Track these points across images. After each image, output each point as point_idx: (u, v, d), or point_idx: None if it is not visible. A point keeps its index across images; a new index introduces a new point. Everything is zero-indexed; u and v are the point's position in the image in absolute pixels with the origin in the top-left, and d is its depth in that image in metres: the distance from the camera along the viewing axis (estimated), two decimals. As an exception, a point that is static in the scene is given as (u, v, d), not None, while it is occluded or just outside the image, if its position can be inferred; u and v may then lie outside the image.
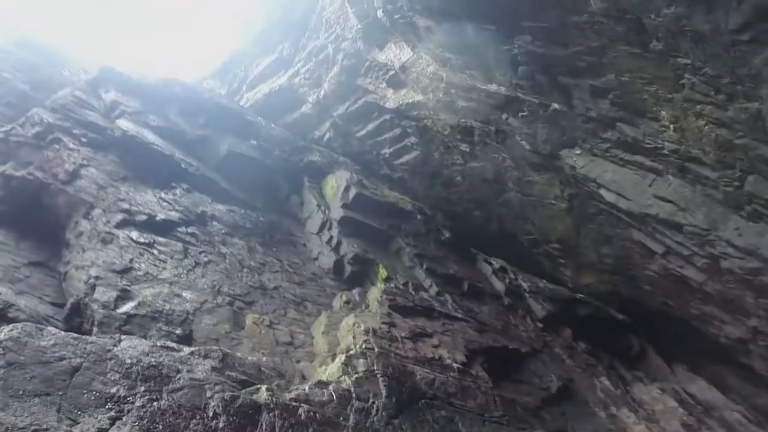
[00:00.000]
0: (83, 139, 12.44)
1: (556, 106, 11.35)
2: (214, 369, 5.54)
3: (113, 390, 4.54)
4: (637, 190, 10.41)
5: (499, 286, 13.17)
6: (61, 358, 4.54)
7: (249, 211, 13.51)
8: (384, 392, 6.83)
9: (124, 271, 9.60)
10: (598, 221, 12.74)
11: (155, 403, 4.56)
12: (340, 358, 7.48)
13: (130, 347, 5.28)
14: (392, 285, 11.12)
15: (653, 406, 9.91)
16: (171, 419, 4.50)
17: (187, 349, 5.79)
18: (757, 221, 8.57)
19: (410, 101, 15.73)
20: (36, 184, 11.12)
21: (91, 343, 4.97)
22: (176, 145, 13.75)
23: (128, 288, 9.24)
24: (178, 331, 8.61)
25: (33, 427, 3.70)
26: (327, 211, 13.88)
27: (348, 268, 12.31)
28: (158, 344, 5.60)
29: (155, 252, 10.48)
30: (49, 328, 5.02)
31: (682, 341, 11.89)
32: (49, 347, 4.62)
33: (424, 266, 12.67)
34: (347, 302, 10.68)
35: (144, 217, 11.06)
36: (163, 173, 12.84)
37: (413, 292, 11.40)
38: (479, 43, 11.61)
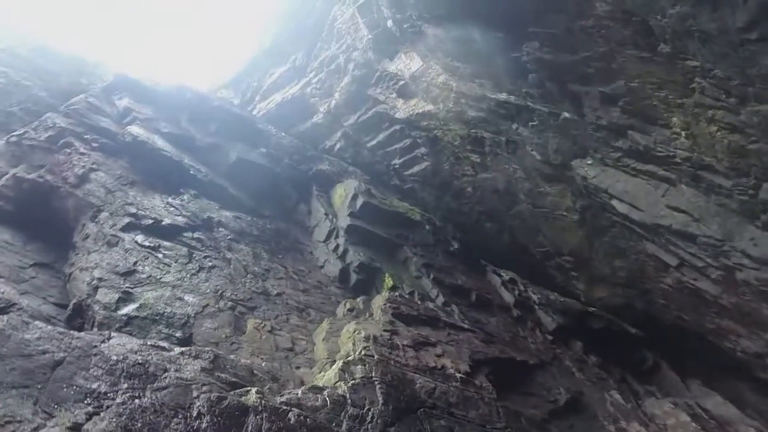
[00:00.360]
0: (94, 144, 12.59)
1: (566, 114, 11.18)
2: (203, 369, 5.42)
3: (94, 385, 4.44)
4: (649, 200, 10.14)
5: (509, 297, 12.89)
6: (44, 352, 4.47)
7: (256, 218, 13.49)
8: (381, 399, 6.64)
9: (128, 274, 9.60)
10: (611, 234, 12.44)
11: (137, 401, 4.45)
12: (338, 363, 7.31)
13: (119, 345, 5.20)
14: (397, 294, 10.93)
15: (665, 421, 9.51)
16: (151, 417, 4.38)
17: (177, 349, 5.69)
18: (773, 230, 8.26)
19: (420, 111, 15.68)
20: (46, 186, 11.23)
21: (78, 338, 4.90)
22: (186, 151, 13.84)
23: (130, 290, 9.23)
24: (177, 334, 8.55)
25: (6, 419, 3.61)
26: (334, 220, 13.81)
27: (354, 277, 12.17)
28: (149, 343, 5.51)
29: (160, 256, 10.47)
30: (37, 322, 4.97)
31: (697, 355, 11.48)
32: (33, 340, 4.55)
33: (431, 276, 12.47)
34: (351, 310, 10.52)
35: (150, 222, 11.07)
36: (172, 179, 12.90)
37: (419, 302, 11.20)
38: (488, 51, 11.53)
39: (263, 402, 5.24)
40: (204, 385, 5.11)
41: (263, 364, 8.37)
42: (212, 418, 4.72)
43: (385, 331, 8.92)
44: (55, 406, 4.04)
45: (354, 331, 8.53)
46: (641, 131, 9.15)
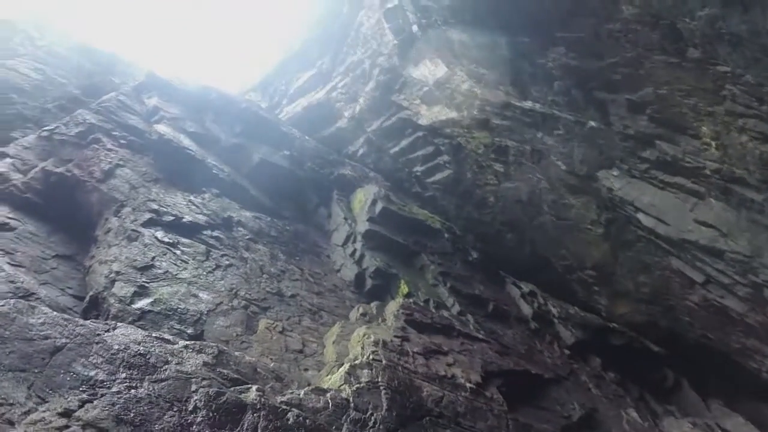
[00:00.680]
0: (122, 141, 12.84)
1: (592, 123, 10.91)
2: (205, 364, 5.38)
3: (92, 373, 4.44)
4: (677, 214, 9.77)
5: (527, 310, 12.58)
6: (46, 337, 4.49)
7: (276, 219, 13.53)
8: (385, 405, 6.48)
9: (145, 268, 9.70)
10: (636, 248, 12.05)
11: (133, 391, 4.42)
12: (344, 367, 7.19)
13: (123, 335, 5.20)
14: (411, 301, 10.76)
15: (683, 440, 9.08)
16: (146, 408, 4.34)
17: (181, 343, 5.67)
18: (807, 249, 7.83)
19: (444, 118, 15.56)
20: (73, 180, 11.46)
21: (82, 325, 4.92)
22: (210, 151, 14.01)
23: (146, 285, 9.33)
24: (189, 330, 8.59)
25: (-1, 401, 3.63)
26: (353, 225, 13.74)
27: (369, 282, 12.06)
28: (153, 335, 5.50)
29: (178, 252, 10.56)
30: (43, 307, 5.01)
31: (720, 375, 10.97)
32: (36, 325, 4.59)
33: (448, 285, 12.26)
34: (364, 314, 10.40)
35: (171, 218, 11.19)
36: (195, 177, 13.05)
37: (433, 310, 11.00)
38: (513, 57, 11.37)
39: (263, 400, 5.16)
40: (204, 379, 5.06)
41: (271, 365, 8.32)
42: (208, 412, 4.66)
43: (395, 336, 8.77)
44: (50, 392, 4.04)
45: (364, 335, 8.41)
46: (669, 141, 8.83)
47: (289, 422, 5.13)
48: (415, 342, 8.99)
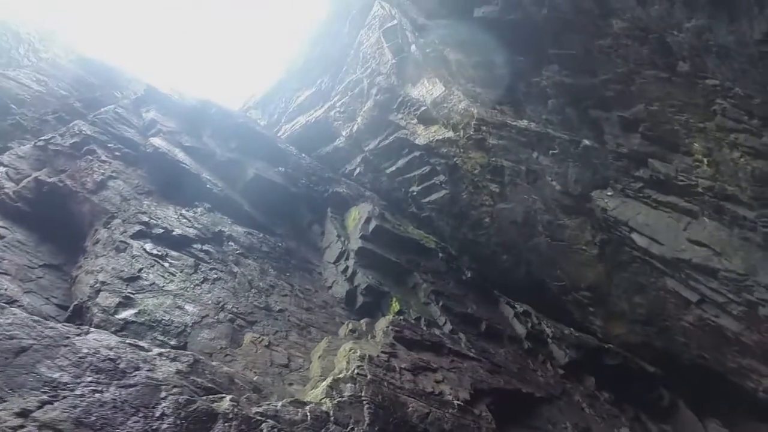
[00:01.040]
0: (117, 153, 12.84)
1: (586, 142, 10.89)
2: (178, 372, 5.21)
3: (56, 375, 4.28)
4: (670, 234, 9.66)
5: (521, 329, 12.37)
6: (12, 338, 4.35)
7: (268, 235, 13.43)
8: (367, 419, 6.28)
9: (131, 280, 9.60)
10: (631, 269, 11.90)
11: (97, 395, 4.26)
12: (327, 380, 7.00)
13: (95, 339, 5.06)
14: (401, 318, 10.58)
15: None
16: (109, 412, 4.17)
17: (156, 350, 5.51)
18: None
19: (440, 138, 15.58)
20: (65, 191, 11.41)
21: (51, 328, 4.78)
22: (205, 165, 13.99)
23: (132, 296, 9.21)
24: (172, 342, 8.42)
25: (-48, 399, 3.47)
26: (346, 242, 13.63)
27: (360, 299, 11.90)
28: (127, 341, 5.35)
29: (166, 264, 10.45)
30: (13, 308, 4.89)
31: (717, 395, 10.71)
32: (3, 325, 4.45)
33: (441, 303, 12.09)
34: (353, 331, 10.21)
35: (161, 231, 11.11)
36: (188, 191, 13.00)
37: (424, 327, 10.82)
38: (509, 76, 11.41)
39: (236, 410, 4.98)
40: (175, 387, 4.89)
41: (254, 378, 8.12)
42: (176, 420, 4.48)
43: (383, 352, 8.58)
44: (9, 391, 3.88)
45: (350, 350, 8.22)
46: (662, 159, 8.77)
47: (263, 433, 4.94)
48: (403, 358, 8.79)
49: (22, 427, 3.61)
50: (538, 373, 10.53)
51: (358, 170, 18.16)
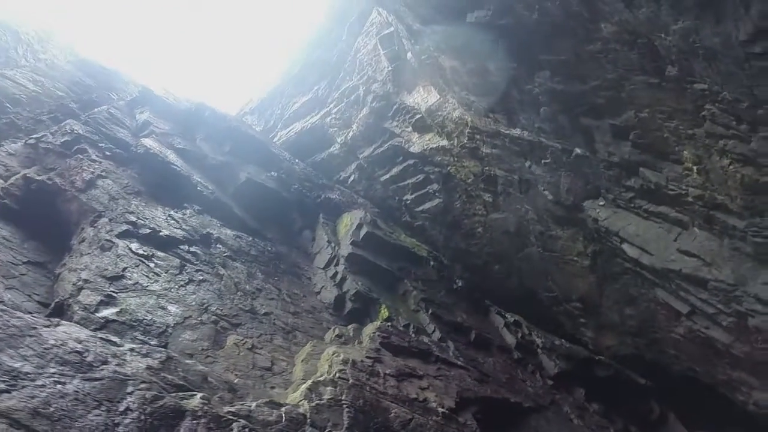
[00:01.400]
0: (107, 153, 12.78)
1: (578, 150, 10.84)
2: (149, 368, 5.07)
3: (17, 365, 4.15)
4: (660, 244, 9.57)
5: (510, 339, 12.21)
6: (-26, 325, 4.24)
7: (258, 239, 13.30)
8: (346, 423, 6.12)
9: (115, 278, 9.50)
10: (622, 281, 11.80)
11: (59, 386, 4.13)
12: (307, 383, 6.84)
13: (65, 332, 4.93)
14: (389, 324, 10.44)
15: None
16: (69, 404, 4.03)
17: (127, 345, 5.38)
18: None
19: (435, 146, 15.54)
20: (54, 189, 11.32)
21: (18, 318, 4.66)
22: (196, 168, 13.91)
23: (114, 294, 9.11)
24: (153, 342, 8.28)
25: None
26: (336, 248, 13.51)
27: (349, 305, 11.77)
28: (99, 335, 5.22)
29: (151, 265, 10.33)
30: (-20, 297, 4.75)
31: (707, 407, 10.54)
32: (-33, 313, 4.34)
33: (430, 311, 11.94)
34: (339, 336, 10.05)
35: (148, 231, 11.00)
36: (178, 193, 12.91)
37: (413, 335, 10.66)
38: (502, 83, 11.39)
39: (206, 408, 4.83)
40: (144, 382, 4.75)
41: (236, 381, 7.96)
42: (140, 415, 4.34)
43: (367, 357, 8.43)
44: (-34, 379, 3.77)
45: (333, 354, 8.08)
46: (653, 167, 8.71)
47: (233, 432, 4.79)
48: (388, 364, 8.64)
49: (-26, 414, 3.48)
50: (527, 383, 10.37)
51: (352, 177, 18.09)
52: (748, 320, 8.04)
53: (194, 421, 4.62)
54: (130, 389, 4.58)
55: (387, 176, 17.20)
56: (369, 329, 10.17)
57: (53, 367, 4.32)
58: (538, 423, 9.01)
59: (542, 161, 12.40)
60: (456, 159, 15.35)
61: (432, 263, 14.47)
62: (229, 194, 14.05)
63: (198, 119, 15.18)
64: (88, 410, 4.07)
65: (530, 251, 14.49)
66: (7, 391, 3.83)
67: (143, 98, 15.20)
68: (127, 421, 4.18)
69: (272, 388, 8.34)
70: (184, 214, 12.33)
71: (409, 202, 16.98)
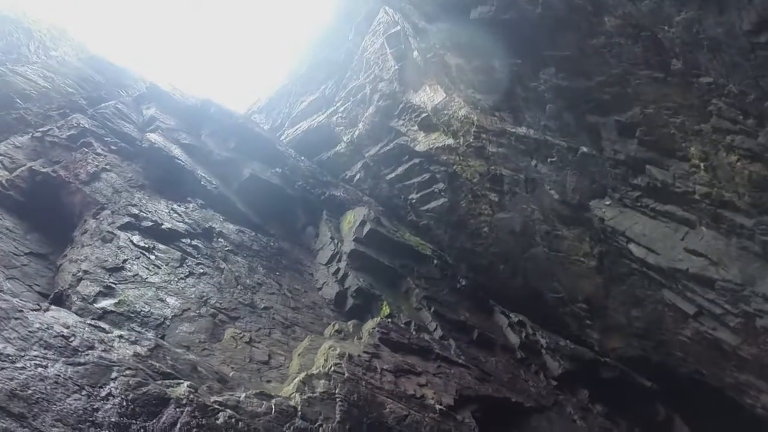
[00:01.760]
0: (113, 147, 12.83)
1: (584, 149, 10.65)
2: (136, 355, 5.02)
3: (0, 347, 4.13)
4: (667, 244, 9.35)
5: (514, 339, 12.04)
6: (-43, 306, 4.22)
7: (261, 234, 13.28)
8: (338, 417, 6.02)
9: (114, 270, 9.51)
10: (629, 282, 11.56)
11: (40, 369, 4.09)
12: (300, 376, 6.76)
13: (53, 317, 4.90)
14: (389, 320, 10.32)
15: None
16: (49, 387, 3.99)
17: (116, 332, 5.33)
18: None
19: (441, 145, 15.41)
20: (58, 181, 11.38)
21: (5, 301, 4.63)
22: (201, 163, 13.93)
23: (113, 285, 9.12)
24: (149, 334, 8.19)
25: None
26: (339, 244, 13.44)
27: (350, 301, 11.68)
28: (88, 321, 5.18)
29: (152, 257, 10.34)
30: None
31: (714, 411, 10.26)
32: (-49, 294, 4.32)
33: (432, 309, 11.82)
34: (339, 331, 9.97)
35: (150, 224, 11.02)
36: (183, 187, 12.93)
37: (414, 332, 10.54)
38: (507, 80, 11.25)
39: (191, 397, 4.77)
40: (129, 369, 4.70)
41: (231, 373, 7.90)
42: (122, 401, 4.28)
43: (365, 352, 8.34)
44: (-56, 358, 3.74)
45: (329, 348, 7.99)
46: (659, 165, 8.52)
47: (218, 422, 4.71)
48: (386, 360, 8.53)
49: (-51, 393, 3.44)
50: (530, 383, 10.20)
51: (358, 176, 18.01)
52: (755, 321, 7.81)
53: (178, 409, 4.55)
54: (114, 375, 4.53)
55: (393, 175, 17.09)
56: (369, 325, 10.08)
57: (36, 350, 4.28)
58: (540, 423, 8.85)
59: (548, 160, 12.22)
60: (462, 158, 15.20)
61: (435, 262, 14.34)
62: (233, 190, 14.04)
63: (204, 115, 15.21)
64: (68, 394, 4.02)
65: (536, 251, 14.29)
66: (-14, 372, 3.80)
67: (150, 94, 15.28)
68: (107, 406, 4.13)
69: (268, 381, 8.26)
70: (186, 208, 12.34)
71: (414, 201, 16.85)
